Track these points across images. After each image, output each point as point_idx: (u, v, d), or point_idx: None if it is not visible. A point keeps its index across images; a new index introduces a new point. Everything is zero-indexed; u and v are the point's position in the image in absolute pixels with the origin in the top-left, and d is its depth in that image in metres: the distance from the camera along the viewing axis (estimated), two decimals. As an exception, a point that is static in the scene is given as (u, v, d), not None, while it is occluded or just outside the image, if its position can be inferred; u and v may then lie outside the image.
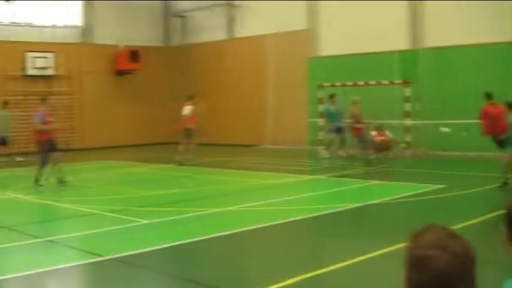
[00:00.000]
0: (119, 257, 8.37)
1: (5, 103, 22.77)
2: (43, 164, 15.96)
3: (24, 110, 26.15)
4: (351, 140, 21.32)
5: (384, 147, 20.34)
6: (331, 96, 21.51)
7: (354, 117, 20.13)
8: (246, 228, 10.16)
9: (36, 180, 15.87)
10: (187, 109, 20.89)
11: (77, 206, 12.91)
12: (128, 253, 8.58)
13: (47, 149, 15.97)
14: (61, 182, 15.98)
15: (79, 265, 8.26)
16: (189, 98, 21.40)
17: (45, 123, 16.15)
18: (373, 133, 20.60)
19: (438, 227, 2.00)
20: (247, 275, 8.05)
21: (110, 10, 29.42)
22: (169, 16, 31.89)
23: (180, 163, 20.42)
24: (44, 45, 27.30)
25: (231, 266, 8.62)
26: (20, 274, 7.75)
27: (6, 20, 25.60)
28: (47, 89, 27.15)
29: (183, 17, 31.13)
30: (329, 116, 21.31)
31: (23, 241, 9.58)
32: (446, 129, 19.49)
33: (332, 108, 21.31)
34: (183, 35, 31.42)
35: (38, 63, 26.82)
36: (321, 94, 23.05)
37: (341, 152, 21.30)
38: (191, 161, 20.57)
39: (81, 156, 24.13)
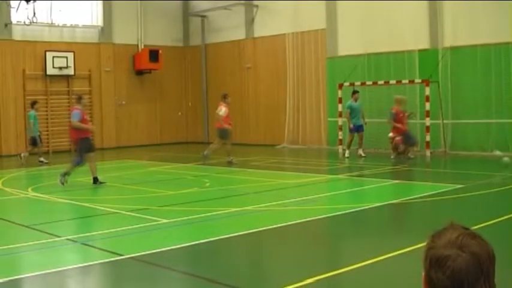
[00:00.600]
0: (138, 256, 8.40)
1: (34, 103, 22.89)
2: (78, 162, 15.90)
3: (44, 110, 26.44)
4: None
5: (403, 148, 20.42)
6: (354, 93, 21.49)
7: (396, 116, 19.94)
8: (265, 228, 10.16)
9: (66, 174, 15.81)
10: (222, 109, 20.75)
11: (97, 205, 13.00)
12: (147, 252, 8.61)
13: (85, 148, 15.95)
14: (98, 182, 15.90)
15: (98, 264, 8.29)
16: (223, 97, 21.19)
17: (84, 121, 16.10)
18: (391, 134, 20.67)
19: (458, 227, 2.00)
20: (266, 275, 8.06)
21: (129, 10, 29.56)
22: (189, 16, 31.97)
23: (205, 158, 20.71)
24: (63, 44, 27.52)
25: (250, 265, 8.66)
26: (39, 273, 7.80)
27: (26, 20, 25.76)
28: (67, 88, 27.40)
29: (202, 16, 31.19)
30: (351, 112, 21.26)
31: (42, 240, 9.64)
32: (506, 160, 18.84)
33: (355, 104, 21.27)
34: (202, 35, 31.50)
35: (58, 63, 26.97)
36: (340, 94, 22.99)
37: (361, 152, 21.25)
38: (208, 159, 20.70)
39: (100, 155, 24.28)
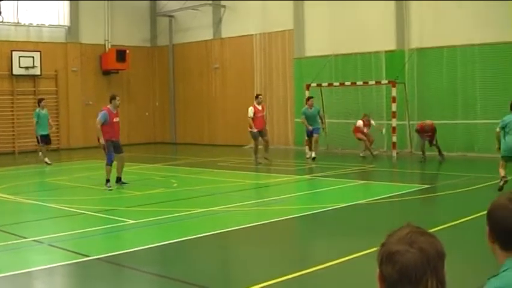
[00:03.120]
0: (105, 257, 8.40)
1: (39, 101, 22.47)
2: (108, 163, 15.43)
3: (10, 110, 26.19)
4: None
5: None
6: (308, 99, 21.39)
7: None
8: (232, 228, 10.23)
9: (107, 181, 15.44)
10: (251, 110, 20.49)
11: (64, 205, 12.90)
12: (114, 253, 8.63)
13: (113, 148, 15.46)
14: (121, 182, 15.75)
15: (65, 265, 8.28)
16: (255, 98, 21.07)
17: (111, 123, 15.42)
18: (360, 122, 21.13)
19: (411, 225, 2.13)
20: (234, 275, 8.14)
21: (96, 9, 29.37)
22: (157, 16, 31.91)
23: (267, 160, 20.21)
24: (30, 44, 27.28)
25: (217, 265, 8.69)
26: (6, 274, 7.76)
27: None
28: (33, 88, 27.14)
29: (170, 16, 31.14)
30: (307, 119, 21.02)
31: (8, 241, 9.59)
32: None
33: (309, 112, 20.97)
34: (170, 35, 31.45)
35: (24, 62, 26.69)
36: (308, 94, 23.08)
37: (312, 154, 20.86)
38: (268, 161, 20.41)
39: (67, 155, 24.12)
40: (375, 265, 2.04)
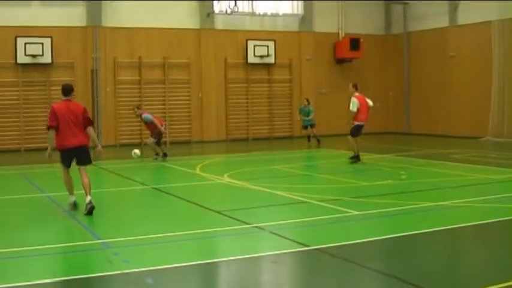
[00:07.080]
0: (324, 248, 8.28)
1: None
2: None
3: (245, 98, 28.53)
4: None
5: None
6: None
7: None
8: (460, 225, 9.84)
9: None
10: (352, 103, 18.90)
11: (288, 193, 12.97)
12: (334, 244, 8.49)
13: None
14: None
15: (283, 253, 8.28)
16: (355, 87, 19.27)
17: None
18: None
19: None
20: (459, 275, 7.54)
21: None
22: (391, 3, 31.68)
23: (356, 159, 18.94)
24: (264, 33, 28.72)
25: (441, 264, 7.95)
26: (225, 259, 8.08)
27: (227, 10, 26.92)
28: (267, 76, 28.98)
29: (404, 3, 30.78)
30: None
31: (231, 226, 9.95)
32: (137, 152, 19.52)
33: None
34: (404, 23, 31.04)
35: (259, 51, 28.31)
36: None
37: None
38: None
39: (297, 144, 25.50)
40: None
